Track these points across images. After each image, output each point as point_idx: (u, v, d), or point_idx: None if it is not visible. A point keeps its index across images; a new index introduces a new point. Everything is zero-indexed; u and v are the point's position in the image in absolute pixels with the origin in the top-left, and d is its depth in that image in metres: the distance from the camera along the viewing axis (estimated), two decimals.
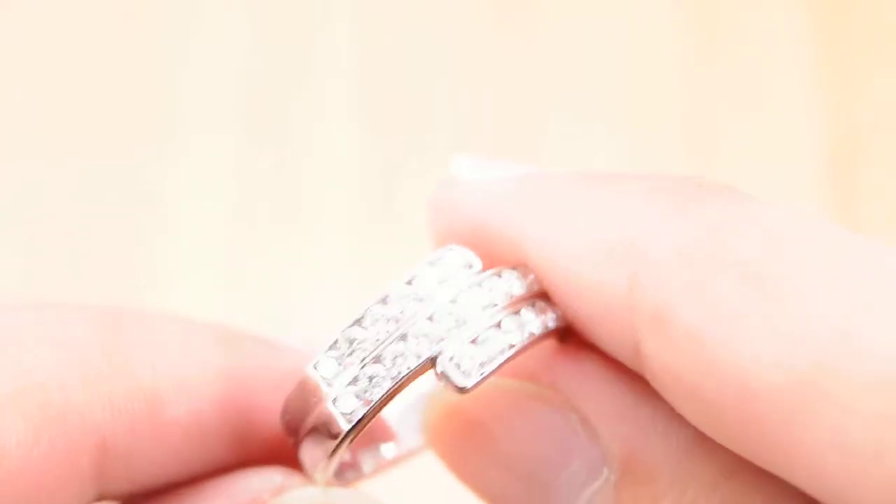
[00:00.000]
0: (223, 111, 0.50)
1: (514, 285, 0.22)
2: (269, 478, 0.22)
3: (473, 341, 0.21)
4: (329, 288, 0.46)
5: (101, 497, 0.22)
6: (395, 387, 0.21)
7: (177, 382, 0.22)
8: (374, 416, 0.21)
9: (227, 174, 0.49)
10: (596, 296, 0.20)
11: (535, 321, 0.21)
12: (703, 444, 0.19)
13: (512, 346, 0.21)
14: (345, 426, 0.21)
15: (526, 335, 0.21)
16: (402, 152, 0.49)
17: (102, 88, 0.50)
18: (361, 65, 0.51)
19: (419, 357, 0.21)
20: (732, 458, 0.19)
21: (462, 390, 0.21)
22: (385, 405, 0.21)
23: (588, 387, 0.20)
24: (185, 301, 0.46)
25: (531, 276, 0.22)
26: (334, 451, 0.21)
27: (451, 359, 0.21)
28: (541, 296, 0.22)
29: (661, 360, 0.19)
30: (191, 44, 0.51)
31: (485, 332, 0.21)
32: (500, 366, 0.21)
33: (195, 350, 0.23)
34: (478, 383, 0.21)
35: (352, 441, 0.21)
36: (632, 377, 0.20)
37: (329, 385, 0.21)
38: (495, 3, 0.52)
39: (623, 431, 0.20)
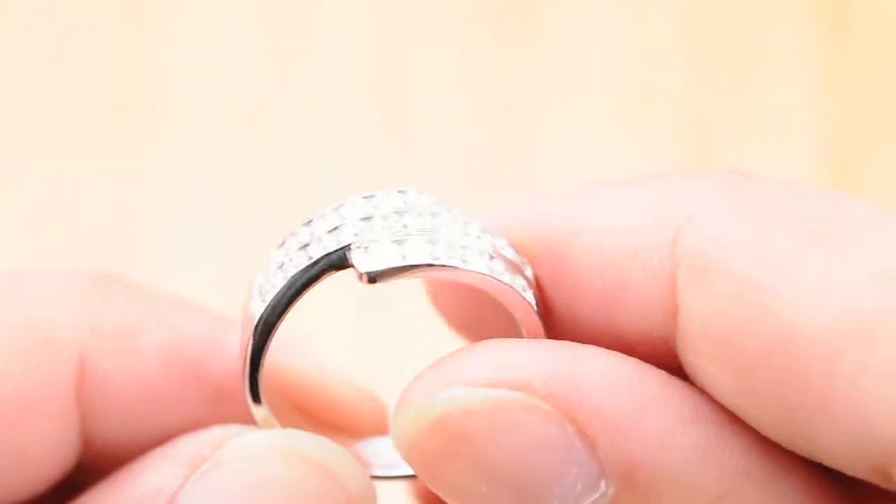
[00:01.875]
0: (223, 106, 0.50)
1: (501, 244, 0.21)
2: (212, 432, 0.21)
3: (398, 241, 0.20)
4: (330, 287, 0.46)
5: (84, 442, 0.22)
6: (292, 281, 0.20)
7: (157, 320, 0.23)
8: (276, 315, 0.20)
9: (228, 171, 0.49)
10: (637, 257, 0.20)
11: (498, 267, 0.20)
12: (711, 454, 0.19)
13: (443, 264, 0.20)
14: (251, 334, 0.20)
15: (473, 266, 0.20)
16: (403, 152, 0.49)
17: (101, 82, 0.50)
18: (362, 65, 0.51)
19: (326, 248, 0.20)
20: (741, 468, 0.19)
21: (368, 278, 0.19)
22: (289, 303, 0.20)
23: (587, 396, 0.19)
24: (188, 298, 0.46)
25: (526, 259, 0.21)
26: (247, 364, 0.21)
27: (364, 247, 0.20)
28: (524, 276, 0.21)
29: (703, 312, 0.19)
30: (189, 40, 0.51)
31: (419, 237, 0.20)
32: (423, 268, 0.20)
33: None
34: (388, 272, 0.20)
35: (261, 352, 0.20)
36: (633, 386, 0.19)
37: (253, 297, 0.21)
38: (495, 3, 0.52)
39: (624, 443, 0.19)
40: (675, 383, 0.20)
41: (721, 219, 0.19)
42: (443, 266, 0.20)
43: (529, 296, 0.21)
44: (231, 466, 0.20)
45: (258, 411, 0.21)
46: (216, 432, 0.21)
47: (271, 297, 0.21)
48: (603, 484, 0.19)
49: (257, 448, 0.20)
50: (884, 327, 0.17)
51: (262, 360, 0.21)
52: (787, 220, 0.19)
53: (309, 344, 0.25)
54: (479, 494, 0.19)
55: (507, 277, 0.20)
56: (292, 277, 0.21)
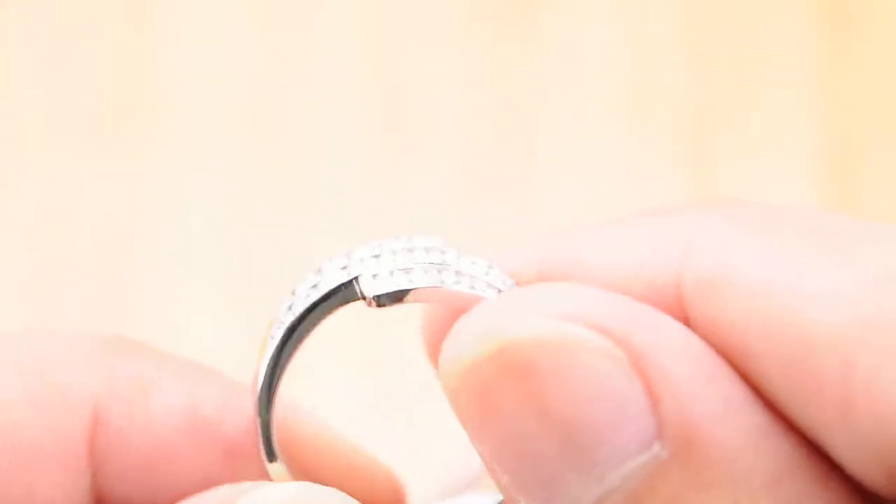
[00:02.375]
0: (223, 106, 0.50)
1: (509, 281, 0.21)
2: (221, 490, 0.21)
3: (406, 270, 0.20)
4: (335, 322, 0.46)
5: (95, 498, 0.22)
6: (304, 313, 0.20)
7: (172, 380, 0.23)
8: (292, 345, 0.20)
9: (228, 171, 0.49)
10: (641, 280, 0.19)
11: (481, 282, 0.20)
12: (771, 436, 0.19)
13: (442, 282, 0.20)
14: (260, 383, 0.20)
15: (480, 293, 0.20)
16: (403, 152, 0.49)
17: (101, 82, 0.50)
18: (362, 65, 0.51)
19: (336, 281, 0.20)
20: (796, 457, 0.19)
21: (376, 302, 0.20)
22: (303, 333, 0.20)
23: (662, 354, 0.18)
24: (187, 299, 0.46)
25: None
26: (258, 414, 0.21)
27: (373, 275, 0.20)
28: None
29: (714, 324, 0.19)
30: (189, 40, 0.51)
31: (416, 264, 0.20)
32: (430, 291, 0.20)
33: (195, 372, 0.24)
34: (394, 295, 0.20)
35: (270, 402, 0.20)
36: (705, 357, 0.19)
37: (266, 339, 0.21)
38: (495, 3, 0.52)
39: (689, 408, 0.18)
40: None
41: (724, 234, 0.19)
42: (449, 290, 0.20)
43: None
44: None
45: (273, 468, 0.21)
46: (226, 490, 0.21)
47: (284, 330, 0.21)
48: (657, 446, 0.18)
49: (270, 501, 0.20)
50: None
51: (276, 389, 0.21)
52: (788, 232, 0.19)
53: (322, 411, 0.25)
54: (525, 435, 0.19)
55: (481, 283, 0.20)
56: (304, 310, 0.21)
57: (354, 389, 0.46)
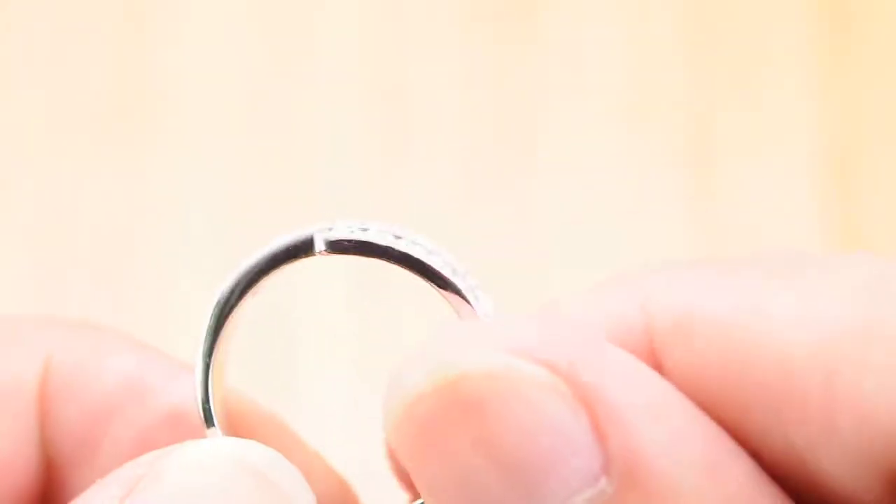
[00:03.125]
0: (223, 106, 0.50)
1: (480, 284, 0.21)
2: (153, 452, 0.21)
3: (364, 228, 0.21)
4: (331, 287, 0.46)
5: (44, 455, 0.23)
6: (251, 266, 0.21)
7: (125, 345, 0.23)
8: (234, 298, 0.21)
9: (228, 171, 0.49)
10: (611, 328, 0.20)
11: (438, 258, 0.20)
12: (722, 471, 0.19)
13: (395, 244, 0.20)
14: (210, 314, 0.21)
15: (420, 251, 0.20)
16: (403, 152, 0.49)
17: (101, 82, 0.50)
18: (362, 65, 0.51)
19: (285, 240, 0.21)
20: (748, 491, 0.19)
21: (326, 246, 0.20)
22: (244, 290, 0.21)
23: (608, 387, 0.18)
24: (187, 299, 0.46)
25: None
26: (204, 349, 0.21)
27: (328, 228, 0.21)
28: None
29: (689, 365, 0.19)
30: (189, 40, 0.51)
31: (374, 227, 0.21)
32: (376, 249, 0.20)
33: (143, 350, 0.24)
34: (341, 242, 0.20)
35: (216, 335, 0.21)
36: (653, 389, 0.19)
37: None
38: (496, 6, 0.52)
39: (635, 441, 0.18)
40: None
41: (684, 280, 0.19)
42: (402, 252, 0.21)
43: (482, 302, 0.21)
44: (168, 478, 0.20)
45: (211, 434, 0.21)
46: (157, 452, 0.21)
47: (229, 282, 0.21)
48: (604, 481, 0.18)
49: (193, 457, 0.20)
50: (873, 330, 0.17)
51: (217, 345, 0.21)
52: (745, 269, 0.19)
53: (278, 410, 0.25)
54: (468, 469, 0.19)
55: (467, 282, 0.21)
56: (254, 263, 0.21)
57: (352, 391, 0.46)
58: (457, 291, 0.21)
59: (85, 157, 0.49)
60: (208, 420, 0.21)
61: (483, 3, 0.52)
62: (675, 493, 0.18)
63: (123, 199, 0.48)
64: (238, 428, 0.22)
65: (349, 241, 0.21)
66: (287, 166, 0.49)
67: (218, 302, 0.21)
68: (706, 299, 0.19)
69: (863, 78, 0.50)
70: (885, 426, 0.17)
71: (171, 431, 0.23)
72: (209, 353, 0.21)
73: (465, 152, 0.50)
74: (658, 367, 0.19)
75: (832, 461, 0.18)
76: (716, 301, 0.19)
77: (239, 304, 0.21)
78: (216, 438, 0.21)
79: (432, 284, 0.21)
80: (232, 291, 0.21)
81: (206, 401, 0.21)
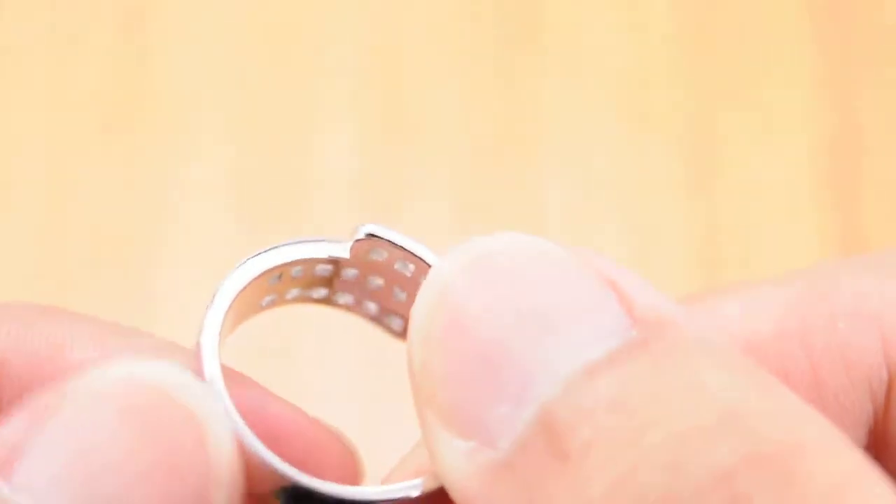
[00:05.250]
0: (223, 107, 0.50)
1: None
2: (63, 380, 0.21)
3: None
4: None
5: None
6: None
7: (90, 338, 0.23)
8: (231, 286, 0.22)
9: (227, 171, 0.49)
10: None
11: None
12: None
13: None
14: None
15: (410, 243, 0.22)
16: (403, 152, 0.49)
17: (101, 83, 0.50)
18: (362, 65, 0.51)
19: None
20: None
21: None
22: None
23: (634, 283, 0.19)
24: (187, 299, 0.46)
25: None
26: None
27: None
28: None
29: None
30: (189, 40, 0.51)
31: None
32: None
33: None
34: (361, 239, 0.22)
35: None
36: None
37: None
38: (496, 12, 0.52)
39: (661, 307, 0.19)
40: None
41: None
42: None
43: None
44: (74, 405, 0.20)
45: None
46: (63, 379, 0.21)
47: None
48: (633, 332, 0.19)
49: (99, 382, 0.20)
50: None
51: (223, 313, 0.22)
52: None
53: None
54: (501, 323, 0.19)
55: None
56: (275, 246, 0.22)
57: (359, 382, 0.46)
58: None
59: (85, 157, 0.49)
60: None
61: (483, 4, 0.52)
62: (704, 339, 0.19)
63: (123, 199, 0.48)
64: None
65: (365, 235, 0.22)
66: (287, 166, 0.49)
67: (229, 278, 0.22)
68: None
69: (863, 77, 0.50)
70: None
71: None
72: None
73: (465, 153, 0.50)
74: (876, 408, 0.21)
75: None
76: None
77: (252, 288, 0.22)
78: (119, 362, 0.20)
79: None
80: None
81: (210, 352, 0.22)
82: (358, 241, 0.22)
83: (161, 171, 0.49)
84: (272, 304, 0.23)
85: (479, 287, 0.19)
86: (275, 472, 0.20)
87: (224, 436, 0.19)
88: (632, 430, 0.18)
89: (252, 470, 0.20)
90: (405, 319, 0.23)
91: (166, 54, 0.50)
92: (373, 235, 0.22)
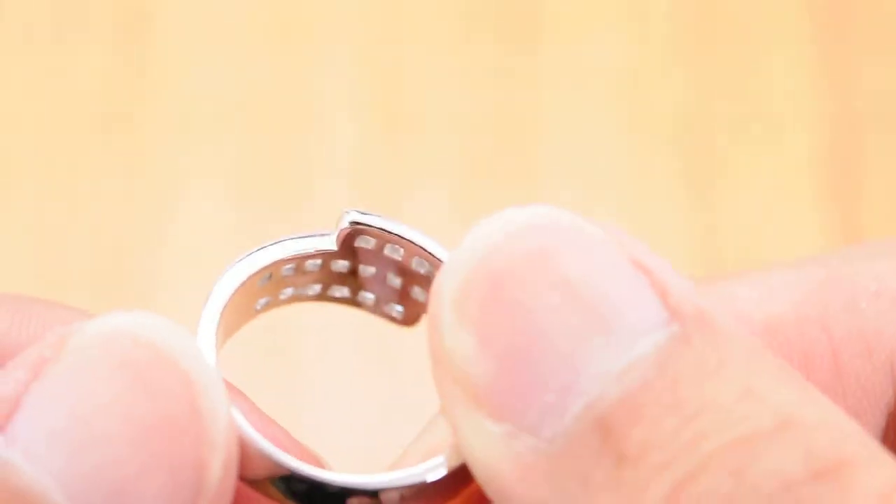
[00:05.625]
0: (223, 107, 0.50)
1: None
2: (55, 331, 0.21)
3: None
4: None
5: None
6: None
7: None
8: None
9: (227, 172, 0.49)
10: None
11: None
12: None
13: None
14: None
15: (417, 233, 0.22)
16: (403, 152, 0.49)
17: (101, 82, 0.50)
18: (362, 65, 0.51)
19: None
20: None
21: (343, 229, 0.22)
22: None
23: (664, 269, 0.19)
24: (187, 299, 0.46)
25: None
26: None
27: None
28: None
29: None
30: (189, 40, 0.51)
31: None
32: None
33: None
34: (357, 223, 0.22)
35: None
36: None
37: None
38: (496, 14, 0.52)
39: (697, 298, 0.19)
40: None
41: None
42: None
43: None
44: (71, 358, 0.19)
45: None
46: (60, 331, 0.20)
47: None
48: (676, 325, 0.19)
49: (95, 336, 0.20)
50: None
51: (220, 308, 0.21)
52: None
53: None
54: (545, 311, 0.19)
55: None
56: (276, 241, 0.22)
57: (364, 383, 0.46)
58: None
59: (85, 158, 0.49)
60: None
61: (483, 4, 0.52)
62: (741, 334, 0.19)
63: (123, 198, 0.48)
64: None
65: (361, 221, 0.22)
66: (286, 166, 0.49)
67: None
68: None
69: (862, 77, 0.50)
70: None
71: None
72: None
73: (465, 154, 0.50)
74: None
75: None
76: None
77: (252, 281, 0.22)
78: (114, 316, 0.20)
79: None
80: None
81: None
82: (343, 230, 0.22)
83: (161, 170, 0.49)
84: (267, 306, 0.23)
85: (520, 261, 0.19)
86: (272, 460, 0.20)
87: (219, 401, 0.19)
88: (690, 432, 0.18)
89: (248, 458, 0.20)
90: (405, 305, 0.23)
91: (167, 53, 0.50)
92: (356, 223, 0.22)
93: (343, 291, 0.23)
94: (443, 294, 0.19)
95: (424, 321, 0.22)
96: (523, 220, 0.19)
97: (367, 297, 0.23)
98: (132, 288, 0.47)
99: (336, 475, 0.20)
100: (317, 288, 0.23)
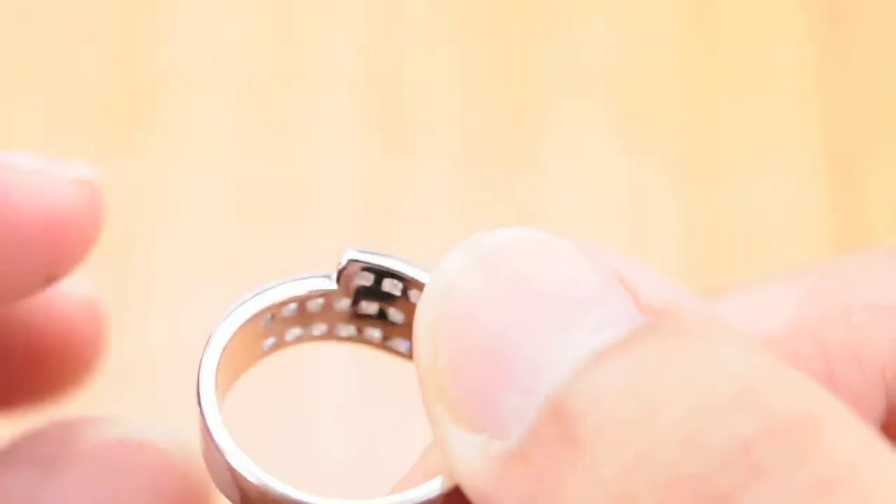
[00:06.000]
0: (223, 108, 0.50)
1: None
2: (54, 429, 0.22)
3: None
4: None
5: None
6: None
7: None
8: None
9: (228, 173, 0.49)
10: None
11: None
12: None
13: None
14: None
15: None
16: (403, 153, 0.49)
17: (101, 82, 0.50)
18: (361, 66, 0.51)
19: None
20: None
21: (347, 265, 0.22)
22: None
23: (637, 273, 0.20)
24: (187, 300, 0.46)
25: None
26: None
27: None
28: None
29: None
30: (190, 40, 0.51)
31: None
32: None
33: None
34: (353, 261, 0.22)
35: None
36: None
37: None
38: (495, 16, 0.52)
39: (669, 293, 0.19)
40: None
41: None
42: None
43: None
44: (87, 459, 0.20)
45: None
46: (59, 429, 0.21)
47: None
48: (640, 317, 0.19)
49: (110, 440, 0.21)
50: None
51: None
52: None
53: None
54: (510, 314, 0.19)
55: None
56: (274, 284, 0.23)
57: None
58: None
59: (84, 157, 0.49)
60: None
61: (483, 5, 0.52)
62: (712, 320, 0.19)
63: (123, 198, 0.48)
64: None
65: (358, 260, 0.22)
66: (286, 166, 0.49)
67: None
68: None
69: (863, 77, 0.50)
70: None
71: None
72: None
73: (465, 155, 0.50)
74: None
75: None
76: None
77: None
78: (125, 422, 0.21)
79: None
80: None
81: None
82: (341, 268, 0.22)
83: (161, 174, 0.49)
84: (275, 347, 0.23)
85: (485, 280, 0.19)
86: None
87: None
88: (644, 412, 0.17)
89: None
90: (410, 339, 0.23)
91: (166, 58, 0.50)
92: (354, 261, 0.22)
93: (349, 330, 0.24)
94: (418, 318, 0.20)
95: None
96: (492, 242, 0.20)
97: (374, 334, 0.24)
98: (132, 287, 0.47)
99: (328, 501, 0.20)
100: (323, 328, 0.24)
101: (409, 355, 0.23)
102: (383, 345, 0.24)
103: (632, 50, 0.51)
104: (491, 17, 0.51)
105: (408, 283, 0.23)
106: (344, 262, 0.23)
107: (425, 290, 0.20)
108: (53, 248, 0.22)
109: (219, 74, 0.50)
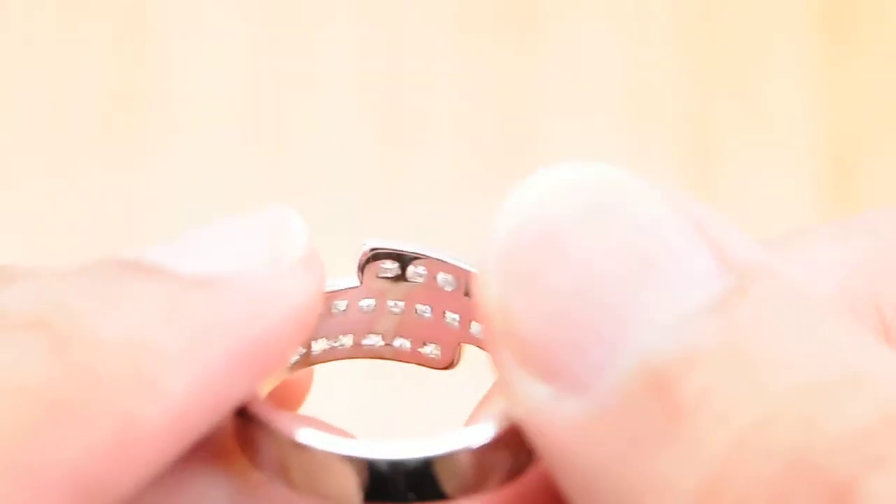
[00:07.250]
0: (223, 109, 0.50)
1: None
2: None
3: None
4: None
5: None
6: None
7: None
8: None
9: (228, 173, 0.49)
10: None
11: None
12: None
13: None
14: None
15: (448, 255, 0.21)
16: (403, 152, 0.49)
17: (101, 83, 0.50)
18: (362, 66, 0.51)
19: None
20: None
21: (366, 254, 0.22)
22: None
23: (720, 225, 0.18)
24: None
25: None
26: None
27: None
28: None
29: None
30: (190, 43, 0.51)
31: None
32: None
33: None
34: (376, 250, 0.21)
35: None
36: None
37: None
38: (495, 9, 0.52)
39: (754, 251, 0.18)
40: None
41: None
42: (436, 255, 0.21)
43: None
44: None
45: None
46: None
47: None
48: (731, 277, 0.18)
49: None
50: None
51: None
52: None
53: None
54: (599, 266, 0.18)
55: None
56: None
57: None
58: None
59: (84, 158, 0.49)
60: None
61: (483, 5, 0.52)
62: (804, 286, 0.18)
63: (123, 198, 0.48)
64: None
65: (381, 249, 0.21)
66: (286, 166, 0.49)
67: None
68: None
69: (862, 76, 0.50)
70: None
71: None
72: None
73: (465, 156, 0.50)
74: None
75: None
76: None
77: None
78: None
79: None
80: None
81: None
82: (363, 255, 0.22)
83: (161, 174, 0.49)
84: (301, 361, 0.22)
85: (573, 215, 0.18)
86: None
87: None
88: (753, 383, 0.16)
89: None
90: (439, 341, 0.22)
91: (166, 59, 0.50)
92: (375, 248, 0.22)
93: (376, 339, 0.23)
94: (491, 247, 0.18)
95: (463, 361, 0.22)
96: (576, 175, 0.18)
97: (403, 343, 0.23)
98: None
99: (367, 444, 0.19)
100: (348, 340, 0.22)
101: (439, 361, 0.23)
102: (413, 354, 0.23)
103: (632, 49, 0.51)
104: (491, 18, 0.51)
105: (431, 266, 0.21)
106: (367, 249, 0.22)
107: (500, 212, 0.18)
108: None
109: (218, 74, 0.50)
